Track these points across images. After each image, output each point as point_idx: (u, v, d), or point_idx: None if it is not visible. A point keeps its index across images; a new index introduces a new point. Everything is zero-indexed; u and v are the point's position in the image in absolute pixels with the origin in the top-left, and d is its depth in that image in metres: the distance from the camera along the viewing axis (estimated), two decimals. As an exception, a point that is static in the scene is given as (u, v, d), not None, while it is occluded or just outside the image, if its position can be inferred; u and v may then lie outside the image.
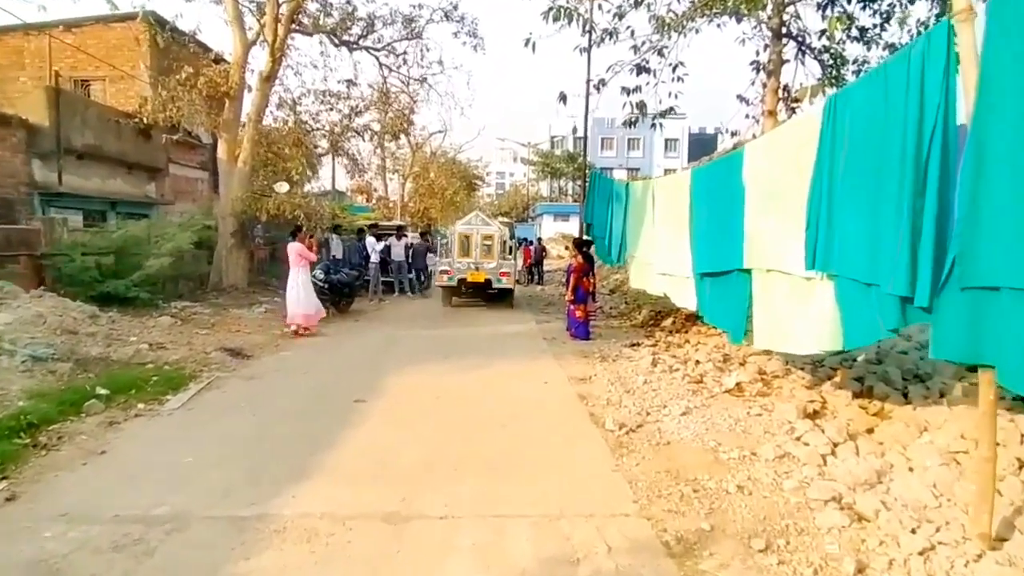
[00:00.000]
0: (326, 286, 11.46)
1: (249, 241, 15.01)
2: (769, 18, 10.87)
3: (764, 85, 11.97)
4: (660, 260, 7.55)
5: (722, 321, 5.84)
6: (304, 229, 11.27)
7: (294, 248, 10.09)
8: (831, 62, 11.47)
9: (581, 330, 9.92)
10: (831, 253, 3.70)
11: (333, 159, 26.43)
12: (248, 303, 12.66)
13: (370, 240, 15.77)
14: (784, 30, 10.93)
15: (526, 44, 11.10)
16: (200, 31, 15.40)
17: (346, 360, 7.86)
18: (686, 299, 6.79)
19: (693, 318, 11.33)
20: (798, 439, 4.75)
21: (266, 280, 15.85)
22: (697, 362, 7.51)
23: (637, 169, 60.54)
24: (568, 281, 10.41)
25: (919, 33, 10.50)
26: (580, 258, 10.20)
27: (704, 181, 6.02)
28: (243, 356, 7.86)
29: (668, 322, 11.39)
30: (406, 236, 17.28)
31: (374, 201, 38.11)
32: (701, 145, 63.62)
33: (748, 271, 5.04)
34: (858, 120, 3.44)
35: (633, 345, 9.12)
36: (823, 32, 11.19)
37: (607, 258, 11.10)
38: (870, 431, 4.85)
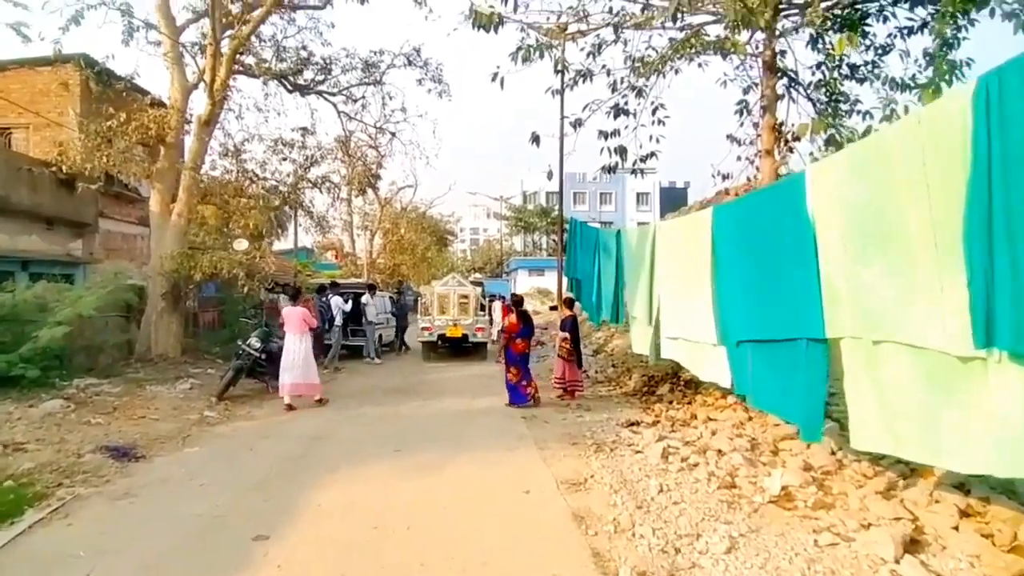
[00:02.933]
0: (263, 356, 9.64)
1: (184, 304, 13.15)
2: (759, 52, 9.87)
3: (755, 125, 10.95)
4: (669, 322, 6.04)
5: (782, 407, 4.24)
6: (303, 292, 10.14)
7: (297, 313, 9.16)
8: (825, 98, 10.48)
9: (516, 396, 8.92)
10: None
11: (295, 214, 24.90)
12: (174, 376, 10.73)
13: (336, 300, 13.88)
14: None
15: (493, 79, 9.99)
16: (138, 75, 13.92)
17: (266, 460, 6.03)
18: (713, 372, 5.24)
19: (694, 383, 9.80)
20: (915, 600, 3.12)
21: (206, 347, 13.87)
22: (720, 452, 5.89)
23: (610, 222, 60.19)
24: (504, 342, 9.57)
25: (929, 63, 9.53)
26: (514, 317, 9.30)
27: (736, 220, 4.55)
28: (131, 457, 5.98)
29: (665, 389, 9.83)
30: (379, 294, 15.64)
31: (341, 258, 36.47)
32: (672, 198, 63.86)
33: (827, 340, 3.51)
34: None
35: (631, 425, 7.48)
36: (820, 64, 10.25)
37: (595, 317, 9.59)
38: (1016, 581, 3.24)
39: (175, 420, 7.69)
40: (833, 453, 5.63)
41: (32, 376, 8.46)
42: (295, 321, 9.04)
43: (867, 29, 9.49)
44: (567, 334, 9.64)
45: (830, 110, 10.40)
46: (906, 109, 8.89)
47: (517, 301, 9.89)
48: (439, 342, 14.61)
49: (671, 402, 9.03)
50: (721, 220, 4.78)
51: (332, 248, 39.46)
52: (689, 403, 8.79)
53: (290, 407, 8.66)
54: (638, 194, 66.29)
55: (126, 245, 16.20)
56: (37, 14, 11.68)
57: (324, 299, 13.98)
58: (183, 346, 12.98)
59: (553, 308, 17.11)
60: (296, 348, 8.91)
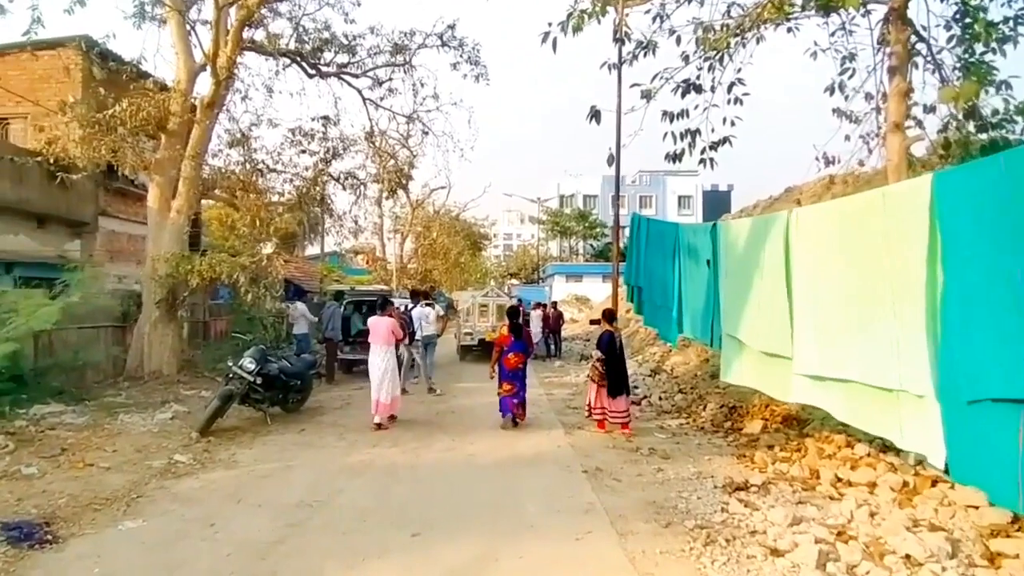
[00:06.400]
0: (258, 380, 7.86)
1: (180, 313, 11.53)
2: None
3: (868, 97, 8.83)
4: (820, 355, 3.98)
5: None
6: (389, 301, 9.43)
7: (385, 323, 8.52)
8: (962, 60, 8.25)
9: (504, 407, 8.21)
10: None
11: (323, 217, 23.44)
12: (160, 400, 9.07)
13: (417, 311, 11.71)
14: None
15: (544, 41, 8.21)
16: (145, 59, 12.40)
17: (223, 552, 4.12)
18: (907, 436, 3.18)
19: (796, 419, 7.66)
20: None
21: (210, 362, 12.18)
22: (909, 559, 3.80)
23: (651, 227, 57.68)
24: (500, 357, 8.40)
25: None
26: (505, 329, 8.46)
27: (1008, 191, 2.46)
28: (37, 542, 4.18)
29: (756, 427, 7.70)
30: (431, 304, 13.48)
31: (372, 263, 35.04)
32: (715, 202, 61.06)
33: None
34: None
35: (737, 490, 5.41)
36: (956, 16, 8.03)
37: (670, 334, 7.55)
38: None
39: (132, 469, 5.91)
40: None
41: (-27, 403, 6.89)
42: (382, 332, 8.44)
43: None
44: (602, 354, 7.80)
45: (962, 76, 8.19)
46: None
47: (511, 312, 9.20)
48: (477, 345, 16.41)
49: (771, 446, 6.93)
50: (960, 194, 2.70)
51: (363, 252, 38.07)
52: (799, 450, 6.68)
53: (379, 426, 8.12)
54: (680, 197, 63.69)
55: (132, 247, 14.75)
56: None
57: (406, 310, 11.94)
58: (181, 361, 11.36)
59: (594, 322, 15.14)
60: (383, 362, 8.31)
